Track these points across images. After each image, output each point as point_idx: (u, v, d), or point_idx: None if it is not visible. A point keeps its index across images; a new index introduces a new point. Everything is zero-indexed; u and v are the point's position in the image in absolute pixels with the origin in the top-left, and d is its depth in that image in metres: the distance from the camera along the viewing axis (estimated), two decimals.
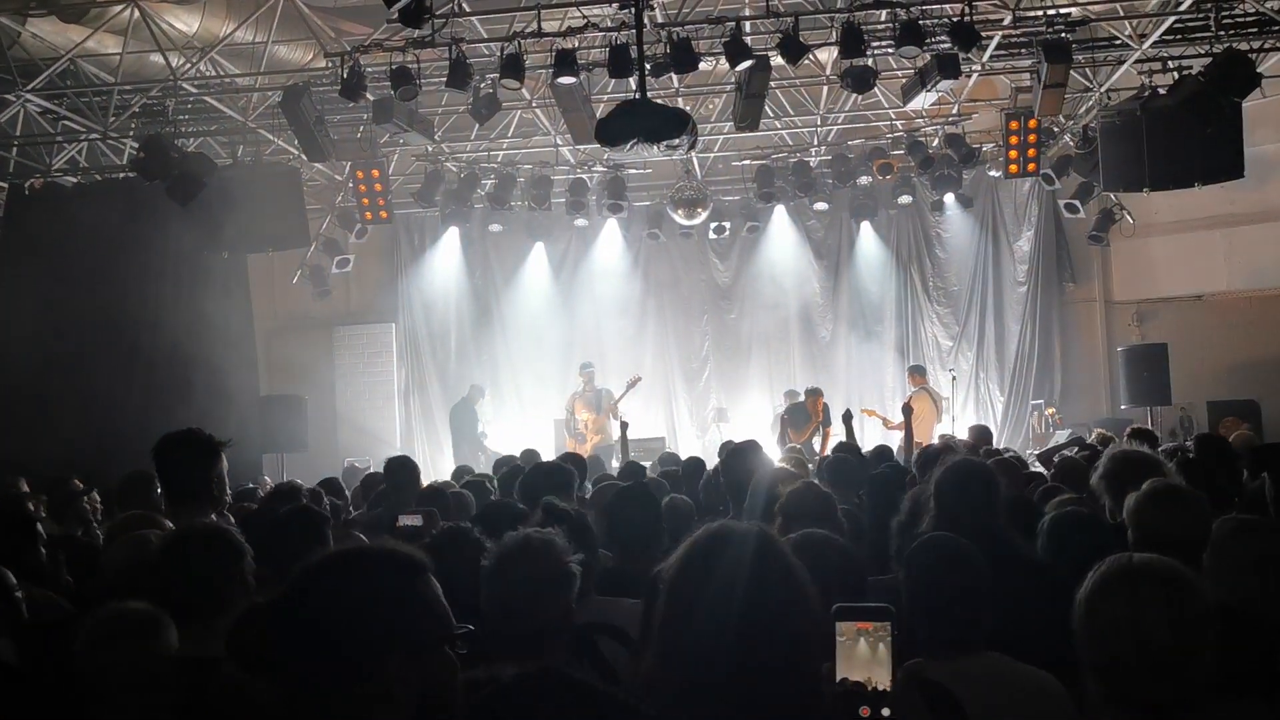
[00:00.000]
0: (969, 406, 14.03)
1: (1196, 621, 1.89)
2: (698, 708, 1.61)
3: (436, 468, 13.22)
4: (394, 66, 9.37)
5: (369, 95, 9.74)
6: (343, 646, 1.51)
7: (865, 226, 14.54)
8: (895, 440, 10.72)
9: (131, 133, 11.34)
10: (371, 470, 9.47)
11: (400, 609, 1.55)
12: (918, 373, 13.04)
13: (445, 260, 15.08)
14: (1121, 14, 10.20)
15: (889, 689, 1.57)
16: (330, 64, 10.07)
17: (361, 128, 11.74)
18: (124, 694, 2.29)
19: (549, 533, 2.59)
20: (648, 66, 8.16)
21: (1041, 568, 3.20)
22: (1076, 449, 7.77)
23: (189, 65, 10.34)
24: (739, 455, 4.73)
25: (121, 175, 11.77)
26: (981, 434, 9.65)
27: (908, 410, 8.62)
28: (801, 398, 12.41)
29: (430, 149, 12.81)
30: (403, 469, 5.68)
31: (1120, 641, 1.89)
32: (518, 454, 8.08)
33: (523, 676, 1.34)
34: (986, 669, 2.51)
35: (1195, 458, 5.08)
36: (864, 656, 1.59)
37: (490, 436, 13.39)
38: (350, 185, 13.15)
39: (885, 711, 1.55)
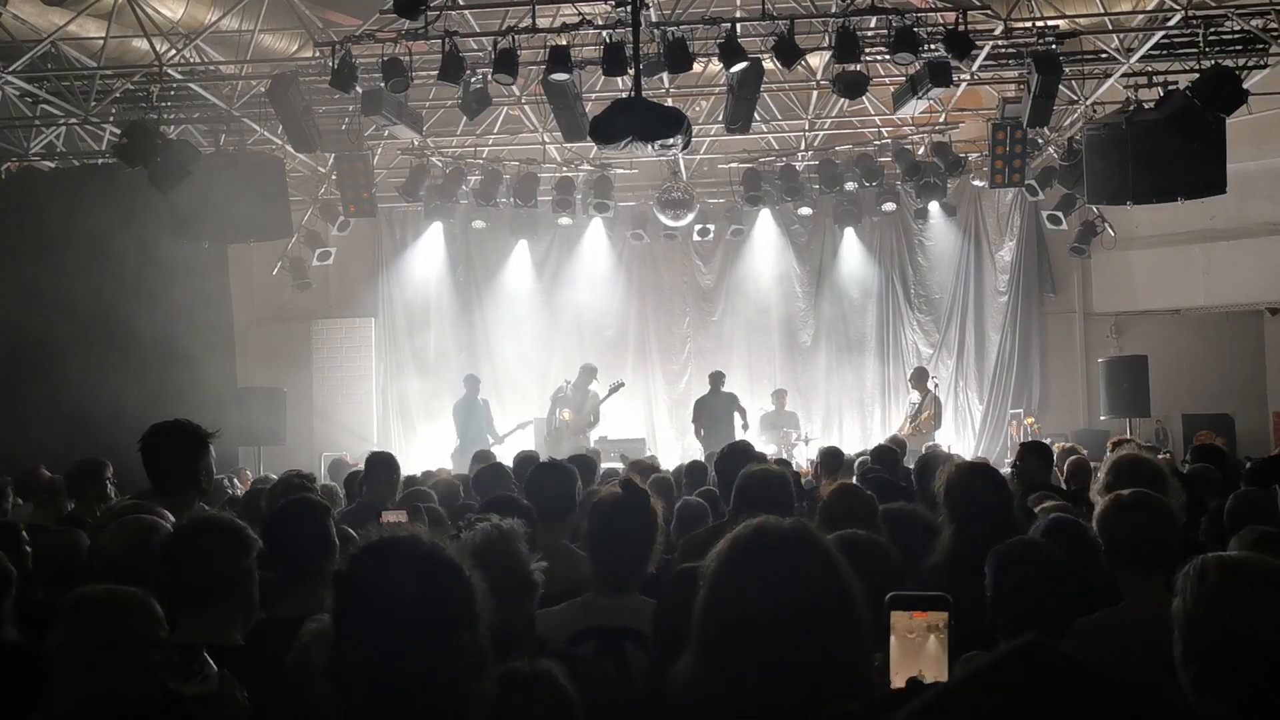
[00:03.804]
0: (948, 414, 14.08)
1: None
2: (742, 699, 1.58)
3: (412, 464, 12.98)
4: (385, 58, 9.28)
5: (359, 86, 9.64)
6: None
7: (849, 232, 14.58)
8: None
9: (112, 118, 11.15)
10: (358, 468, 9.36)
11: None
12: (923, 376, 12.75)
13: (427, 255, 14.98)
14: (1110, 28, 10.28)
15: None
16: (319, 54, 9.95)
17: (346, 119, 11.62)
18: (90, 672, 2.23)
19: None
20: (641, 65, 8.13)
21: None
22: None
23: (174, 52, 10.18)
24: (734, 455, 4.73)
25: (100, 161, 11.58)
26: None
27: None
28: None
29: (416, 143, 12.69)
30: (384, 465, 5.69)
31: (1239, 654, 1.76)
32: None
33: None
34: None
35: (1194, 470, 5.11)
36: (918, 649, 1.55)
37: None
38: (333, 177, 13.01)
39: None
